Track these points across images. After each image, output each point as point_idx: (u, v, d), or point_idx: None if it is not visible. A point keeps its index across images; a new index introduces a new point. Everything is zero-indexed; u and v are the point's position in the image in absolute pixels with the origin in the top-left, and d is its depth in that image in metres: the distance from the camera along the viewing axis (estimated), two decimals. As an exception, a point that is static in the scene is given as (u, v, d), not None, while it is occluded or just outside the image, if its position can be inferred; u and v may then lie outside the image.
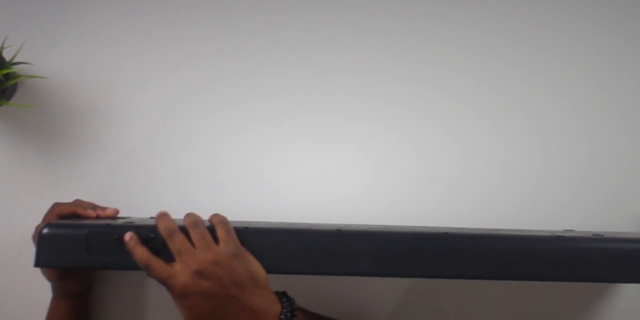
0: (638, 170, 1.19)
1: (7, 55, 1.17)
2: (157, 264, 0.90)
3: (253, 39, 1.25)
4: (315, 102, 1.23)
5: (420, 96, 1.23)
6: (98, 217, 1.06)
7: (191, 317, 0.90)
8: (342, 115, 1.23)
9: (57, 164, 1.24)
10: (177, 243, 0.91)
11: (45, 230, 0.94)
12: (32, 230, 1.10)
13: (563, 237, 0.94)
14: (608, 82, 1.22)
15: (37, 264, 0.95)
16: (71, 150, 1.24)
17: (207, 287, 0.88)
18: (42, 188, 1.24)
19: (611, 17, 1.23)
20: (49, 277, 1.10)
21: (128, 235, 0.92)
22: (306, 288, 1.08)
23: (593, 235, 0.97)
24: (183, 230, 0.92)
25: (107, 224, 0.96)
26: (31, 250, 0.98)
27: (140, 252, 0.91)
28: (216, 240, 0.92)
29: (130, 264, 0.92)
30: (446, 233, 0.94)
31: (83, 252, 0.93)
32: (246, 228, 0.95)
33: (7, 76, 1.16)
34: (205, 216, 0.96)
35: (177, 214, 0.96)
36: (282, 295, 0.95)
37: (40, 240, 0.94)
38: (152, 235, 0.93)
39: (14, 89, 1.23)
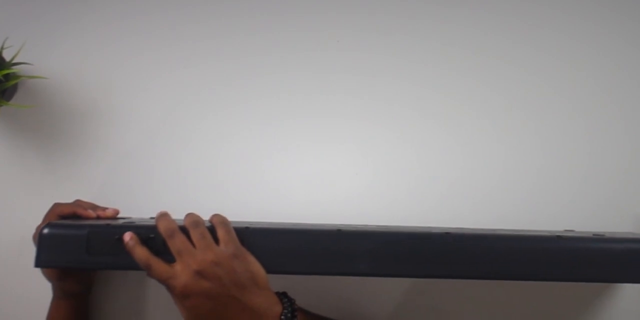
0: (638, 170, 1.19)
1: (7, 56, 1.17)
2: (158, 264, 0.90)
3: (253, 39, 1.25)
4: (315, 102, 1.23)
5: (420, 96, 1.23)
6: (98, 218, 1.07)
7: (191, 318, 0.90)
8: (342, 115, 1.23)
9: (57, 164, 1.24)
10: (177, 243, 0.91)
11: (45, 231, 0.94)
12: (32, 230, 1.09)
13: (563, 237, 0.94)
14: (608, 82, 1.22)
15: (37, 264, 0.95)
16: (71, 150, 1.24)
17: (207, 287, 0.88)
18: (42, 188, 1.24)
19: (611, 17, 1.22)
20: (49, 277, 1.10)
21: (128, 236, 0.92)
22: (306, 288, 1.09)
23: (593, 235, 0.97)
24: (183, 230, 0.92)
25: (108, 224, 0.96)
26: (31, 250, 0.98)
27: (141, 253, 0.91)
28: (216, 240, 0.92)
29: (131, 264, 0.92)
30: (446, 233, 0.94)
31: (83, 252, 0.93)
32: (247, 228, 0.95)
33: (8, 77, 1.16)
34: (205, 216, 0.96)
35: (178, 214, 0.96)
36: (282, 296, 0.95)
37: (41, 240, 0.94)
38: (152, 236, 0.93)
39: (14, 89, 1.23)
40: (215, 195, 1.22)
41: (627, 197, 1.19)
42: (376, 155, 1.22)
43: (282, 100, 1.24)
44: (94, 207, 1.12)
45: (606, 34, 1.22)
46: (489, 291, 1.19)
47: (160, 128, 1.24)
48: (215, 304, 0.89)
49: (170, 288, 0.90)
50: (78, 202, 1.12)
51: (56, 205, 1.09)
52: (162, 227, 0.92)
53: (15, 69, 1.17)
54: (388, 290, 1.19)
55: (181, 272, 0.89)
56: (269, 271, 0.93)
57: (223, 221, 0.94)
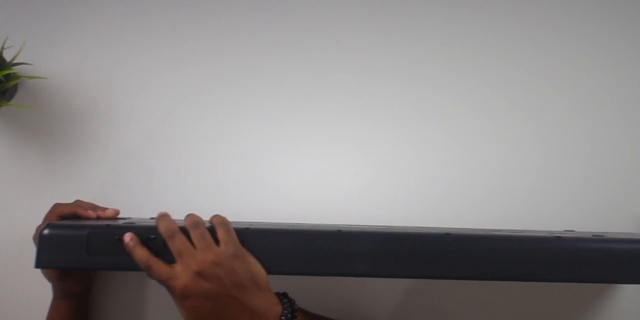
0: (638, 170, 1.19)
1: (7, 56, 1.17)
2: (158, 264, 0.90)
3: (253, 39, 1.25)
4: (315, 102, 1.23)
5: (420, 96, 1.23)
6: (98, 218, 1.07)
7: (191, 318, 0.90)
8: (342, 115, 1.23)
9: (57, 164, 1.24)
10: (177, 244, 0.91)
11: (45, 231, 0.94)
12: (32, 231, 1.09)
13: (563, 237, 0.94)
14: (608, 82, 1.22)
15: (37, 265, 0.95)
16: (71, 151, 1.24)
17: (207, 288, 0.88)
18: (42, 188, 1.24)
19: (611, 17, 1.23)
20: (49, 278, 1.10)
21: (128, 237, 0.92)
22: (307, 289, 1.09)
23: (593, 235, 0.97)
24: (183, 231, 0.92)
25: (108, 225, 0.95)
26: (31, 250, 0.98)
27: (141, 253, 0.91)
28: (217, 241, 0.92)
29: (131, 265, 0.92)
30: (447, 233, 0.94)
31: (84, 252, 0.93)
32: (247, 229, 0.95)
33: (8, 77, 1.16)
34: (205, 216, 0.96)
35: (178, 214, 0.96)
36: (282, 296, 0.95)
37: (41, 241, 0.94)
38: (152, 236, 0.93)
39: (14, 89, 1.23)
40: (215, 195, 1.22)
41: (627, 197, 1.19)
42: (376, 155, 1.22)
43: (282, 100, 1.24)
44: (94, 207, 1.12)
45: (606, 34, 1.22)
46: (489, 291, 1.19)
47: (160, 128, 1.24)
48: (215, 305, 0.89)
49: (170, 289, 0.90)
50: (78, 203, 1.12)
51: (56, 205, 1.09)
52: (162, 228, 0.92)
53: (15, 69, 1.17)
54: (388, 290, 1.20)
55: (181, 272, 0.89)
56: (269, 272, 0.93)
57: (223, 222, 0.94)
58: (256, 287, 0.91)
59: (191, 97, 1.25)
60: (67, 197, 1.13)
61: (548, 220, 1.19)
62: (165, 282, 0.90)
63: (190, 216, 0.95)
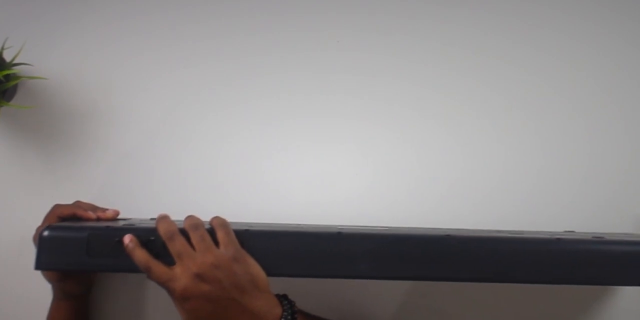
0: (638, 171, 1.19)
1: (7, 56, 1.17)
2: (157, 266, 0.90)
3: (253, 39, 1.25)
4: (315, 102, 1.23)
5: (420, 96, 1.23)
6: (98, 219, 1.07)
7: (191, 320, 0.90)
8: (342, 116, 1.23)
9: (57, 165, 1.24)
10: (177, 246, 0.91)
11: (45, 233, 0.94)
12: (32, 231, 1.10)
13: (563, 239, 0.94)
14: (608, 82, 1.22)
15: (37, 267, 0.95)
16: (71, 151, 1.24)
17: (207, 290, 0.89)
18: (42, 188, 1.24)
19: (611, 17, 1.22)
20: (49, 279, 1.10)
21: (127, 238, 0.92)
22: (307, 291, 1.09)
23: (593, 237, 0.97)
24: (183, 232, 0.92)
25: (108, 227, 0.95)
26: (31, 250, 0.99)
27: (140, 255, 0.91)
28: (216, 243, 0.92)
29: (131, 267, 0.92)
30: (447, 235, 0.94)
31: (84, 254, 0.93)
32: (247, 230, 0.95)
33: (8, 77, 1.16)
34: (205, 216, 0.96)
35: (177, 215, 0.97)
36: (282, 298, 0.95)
37: (41, 242, 0.94)
38: (152, 238, 0.93)
39: (14, 90, 1.23)
40: (215, 195, 1.22)
41: (627, 198, 1.19)
42: (376, 156, 1.22)
43: (282, 101, 1.24)
44: (94, 208, 1.12)
45: (606, 34, 1.22)
46: (490, 293, 1.19)
47: (160, 128, 1.24)
48: (215, 307, 0.89)
49: (170, 291, 0.90)
50: (78, 203, 1.12)
51: (56, 206, 1.09)
52: (162, 230, 0.92)
53: (15, 69, 1.17)
54: (389, 292, 1.20)
55: (181, 274, 0.89)
56: (269, 274, 0.93)
57: (223, 223, 0.94)
58: (256, 289, 0.91)
59: (191, 97, 1.25)
60: (67, 198, 1.13)
61: (548, 221, 1.19)
62: (164, 284, 0.90)
63: (190, 218, 0.95)
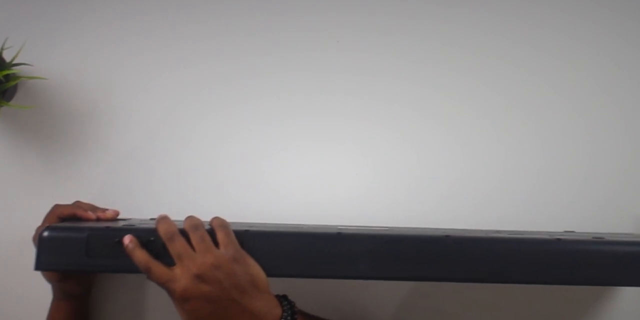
0: (638, 171, 1.19)
1: (7, 56, 1.17)
2: (157, 267, 0.90)
3: (253, 39, 1.25)
4: (315, 102, 1.23)
5: (420, 96, 1.23)
6: (98, 219, 1.07)
7: (191, 321, 0.90)
8: (342, 116, 1.23)
9: (57, 165, 1.24)
10: (177, 246, 0.91)
11: (45, 234, 0.94)
12: (32, 231, 1.10)
13: (563, 239, 0.94)
14: (608, 82, 1.22)
15: (37, 268, 0.95)
16: (71, 151, 1.24)
17: (207, 290, 0.89)
18: (42, 188, 1.24)
19: (611, 17, 1.22)
20: (49, 279, 1.10)
21: (127, 239, 0.92)
22: (307, 291, 1.09)
23: (593, 237, 0.97)
24: (183, 233, 0.92)
25: (108, 227, 0.96)
26: (31, 250, 0.99)
27: (140, 256, 0.91)
28: (216, 243, 0.92)
29: (131, 267, 0.92)
30: (446, 236, 0.94)
31: (83, 255, 0.93)
32: (246, 231, 0.95)
33: (8, 77, 1.16)
34: (205, 216, 0.96)
35: (177, 215, 0.97)
36: (282, 299, 0.95)
37: (41, 243, 0.94)
38: (152, 239, 0.93)
39: (14, 90, 1.23)
40: (215, 195, 1.22)
41: (627, 198, 1.19)
42: (376, 156, 1.22)
43: (282, 101, 1.24)
44: (94, 208, 1.12)
45: (606, 34, 1.22)
46: (490, 293, 1.19)
47: (160, 128, 1.24)
48: (215, 308, 0.89)
49: (170, 291, 0.90)
50: (78, 204, 1.12)
51: (56, 206, 1.09)
52: (162, 230, 0.92)
53: (15, 69, 1.17)
54: (390, 292, 1.20)
55: (181, 275, 0.89)
56: (268, 274, 0.93)
57: (223, 224, 0.94)
58: (256, 289, 0.91)
59: (191, 97, 1.25)
60: (67, 198, 1.13)
61: (548, 221, 1.19)
62: (164, 285, 0.90)
63: (189, 218, 0.95)
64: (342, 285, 1.18)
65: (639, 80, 1.21)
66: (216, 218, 0.96)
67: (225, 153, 1.23)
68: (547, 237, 0.96)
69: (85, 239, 0.93)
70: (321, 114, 1.23)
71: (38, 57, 1.23)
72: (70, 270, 1.06)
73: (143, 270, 0.91)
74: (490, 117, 1.22)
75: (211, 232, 0.93)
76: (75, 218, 1.06)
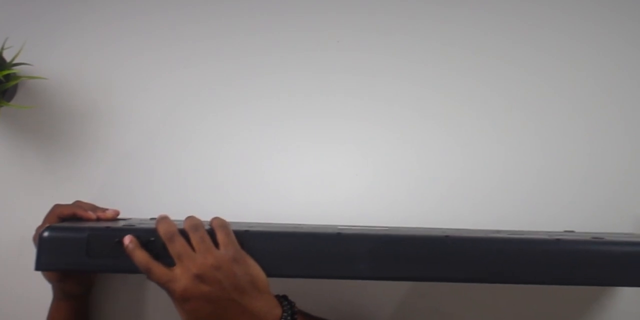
0: (638, 171, 1.19)
1: (7, 56, 1.17)
2: (157, 267, 0.90)
3: (253, 39, 1.25)
4: (315, 102, 1.23)
5: (420, 96, 1.23)
6: (98, 219, 1.07)
7: (191, 321, 0.90)
8: (342, 116, 1.23)
9: (57, 165, 1.24)
10: (177, 247, 0.91)
11: (45, 234, 0.94)
12: (32, 231, 1.10)
13: (562, 239, 0.94)
14: (608, 82, 1.22)
15: (37, 268, 0.95)
16: (71, 151, 1.24)
17: (207, 291, 0.89)
18: (42, 188, 1.24)
19: (611, 17, 1.22)
20: (49, 279, 1.10)
21: (127, 239, 0.92)
22: (306, 291, 1.09)
23: (593, 237, 0.97)
24: (183, 233, 0.92)
25: (108, 227, 0.96)
26: (31, 250, 0.99)
27: (140, 256, 0.91)
28: (216, 244, 0.92)
29: (131, 267, 0.92)
30: (446, 236, 0.94)
31: (84, 255, 0.93)
32: (246, 231, 0.95)
33: (8, 77, 1.16)
34: (205, 216, 0.96)
35: (177, 215, 0.97)
36: (282, 299, 0.95)
37: (41, 243, 0.94)
38: (152, 239, 0.93)
39: (14, 89, 1.23)
40: (215, 196, 1.22)
41: (627, 198, 1.19)
42: (376, 156, 1.22)
43: (282, 101, 1.24)
44: (94, 208, 1.12)
45: (606, 34, 1.22)
46: (490, 294, 1.19)
47: (160, 129, 1.24)
48: (215, 308, 0.89)
49: (170, 291, 0.90)
50: (78, 203, 1.12)
51: (56, 206, 1.09)
52: (162, 231, 0.92)
53: (15, 69, 1.17)
54: (389, 292, 1.20)
55: (181, 275, 0.89)
56: (268, 274, 0.93)
57: (223, 224, 0.94)
58: (256, 289, 0.91)
59: (191, 97, 1.25)
60: (67, 198, 1.13)
61: (548, 221, 1.18)
62: (164, 285, 0.90)
63: (189, 219, 0.95)
64: (341, 285, 1.18)
65: (639, 80, 1.21)
66: (216, 218, 0.96)
67: (225, 153, 1.23)
68: (546, 237, 0.96)
69: (85, 239, 0.93)
70: (321, 114, 1.23)
71: (38, 57, 1.23)
72: (70, 270, 1.06)
73: (143, 271, 0.91)
74: (490, 117, 1.22)
75: (211, 233, 0.93)
76: (75, 218, 1.06)
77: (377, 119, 1.22)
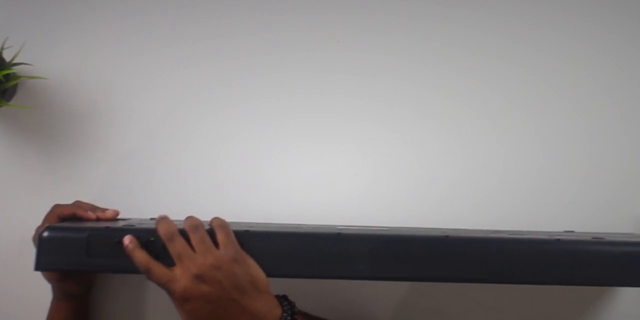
0: (638, 171, 1.19)
1: (7, 56, 1.17)
2: (157, 268, 0.90)
3: (253, 39, 1.25)
4: (315, 102, 1.23)
5: (420, 96, 1.23)
6: (98, 219, 1.07)
7: (191, 321, 0.90)
8: (342, 116, 1.23)
9: (57, 165, 1.24)
10: (177, 247, 0.91)
11: (45, 234, 0.94)
12: (32, 231, 1.09)
13: (562, 240, 0.94)
14: (608, 82, 1.22)
15: (37, 268, 0.95)
16: (71, 151, 1.24)
17: (207, 291, 0.89)
18: (42, 188, 1.24)
19: (611, 17, 1.22)
20: (49, 279, 1.10)
21: (127, 239, 0.92)
22: (306, 291, 1.09)
23: (593, 237, 0.97)
24: (183, 233, 0.92)
25: (108, 227, 0.96)
26: (31, 250, 0.98)
27: (140, 256, 0.91)
28: (216, 244, 0.92)
29: (131, 267, 0.92)
30: (446, 236, 0.94)
31: (83, 255, 0.93)
32: (246, 231, 0.95)
33: (8, 77, 1.16)
34: (205, 216, 0.96)
35: (177, 215, 0.97)
36: (282, 299, 0.95)
37: (41, 243, 0.94)
38: (152, 239, 0.93)
39: (14, 89, 1.23)
40: (215, 196, 1.22)
41: (627, 198, 1.19)
42: (376, 156, 1.22)
43: (282, 101, 1.24)
44: (94, 208, 1.12)
45: (606, 34, 1.22)
46: (490, 294, 1.19)
47: (160, 129, 1.24)
48: (215, 308, 0.89)
49: (170, 292, 0.90)
50: (78, 203, 1.12)
51: (56, 206, 1.09)
52: (162, 231, 0.92)
53: (15, 69, 1.17)
54: (389, 292, 1.20)
55: (181, 275, 0.89)
56: (268, 274, 0.93)
57: (222, 224, 0.94)
58: (256, 290, 0.91)
59: (191, 97, 1.25)
60: (67, 198, 1.13)
61: (548, 221, 1.18)
62: (164, 285, 0.90)
63: (189, 219, 0.95)
64: (341, 285, 1.18)
65: (639, 80, 1.21)
66: (216, 218, 0.96)
67: (225, 153, 1.23)
68: (546, 237, 0.96)
69: (85, 239, 0.93)
70: (321, 115, 1.23)
71: (38, 57, 1.23)
72: (70, 270, 1.06)
73: (143, 271, 0.91)
74: (490, 117, 1.22)
75: (211, 233, 0.93)
76: (75, 218, 1.06)
77: (377, 119, 1.22)
